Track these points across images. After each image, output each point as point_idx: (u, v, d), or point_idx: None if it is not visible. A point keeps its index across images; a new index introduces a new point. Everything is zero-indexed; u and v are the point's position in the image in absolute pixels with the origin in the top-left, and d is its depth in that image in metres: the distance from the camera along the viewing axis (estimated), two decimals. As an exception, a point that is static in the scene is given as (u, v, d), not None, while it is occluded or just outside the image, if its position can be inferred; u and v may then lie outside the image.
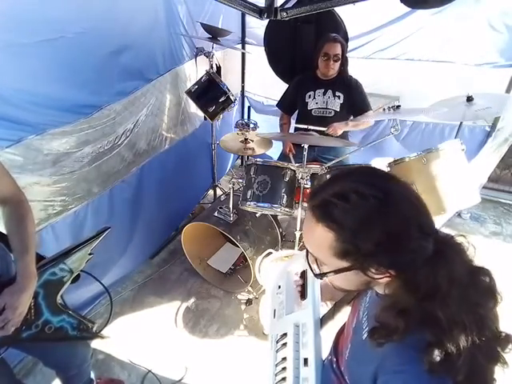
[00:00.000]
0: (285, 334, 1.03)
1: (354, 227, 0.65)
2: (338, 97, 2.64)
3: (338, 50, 2.51)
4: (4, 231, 1.14)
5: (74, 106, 1.78)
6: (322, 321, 1.04)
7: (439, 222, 2.26)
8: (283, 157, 2.79)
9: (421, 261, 0.65)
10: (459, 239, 0.70)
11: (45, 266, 1.20)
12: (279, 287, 1.25)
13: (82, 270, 1.29)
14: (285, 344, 1.00)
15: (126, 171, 2.27)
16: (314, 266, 0.76)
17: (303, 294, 1.08)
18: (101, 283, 1.43)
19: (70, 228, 1.91)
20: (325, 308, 1.14)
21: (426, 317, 0.63)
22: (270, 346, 1.08)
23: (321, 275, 0.75)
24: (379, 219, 0.64)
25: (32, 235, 1.12)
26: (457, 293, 0.63)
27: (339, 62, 2.56)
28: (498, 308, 0.68)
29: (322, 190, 0.71)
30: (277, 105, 2.97)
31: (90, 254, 1.29)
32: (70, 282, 1.27)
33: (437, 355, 0.60)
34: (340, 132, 2.57)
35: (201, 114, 2.81)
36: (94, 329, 1.37)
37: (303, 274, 1.15)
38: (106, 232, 1.32)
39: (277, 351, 1.02)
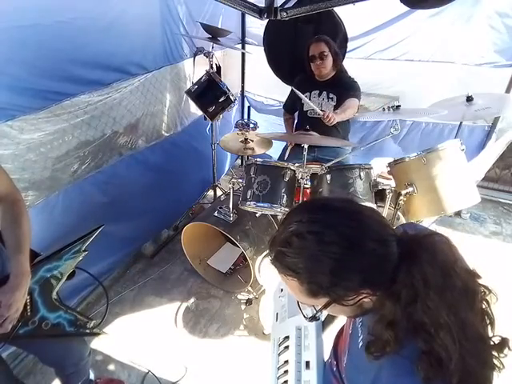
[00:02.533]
0: (287, 337, 1.03)
1: (306, 267, 0.67)
2: (332, 98, 2.62)
3: (323, 47, 2.49)
4: None
5: (44, 91, 1.77)
6: (324, 324, 1.04)
7: (429, 221, 2.26)
8: (284, 155, 2.79)
9: (391, 268, 0.66)
10: (434, 237, 0.70)
11: (40, 263, 1.21)
12: (281, 290, 1.25)
13: (76, 267, 1.30)
14: (287, 347, 1.00)
15: (103, 162, 2.25)
16: (306, 311, 0.79)
17: None
18: (96, 279, 1.44)
19: (40, 216, 1.89)
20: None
21: (413, 325, 0.64)
22: (272, 349, 1.08)
23: (311, 318, 0.77)
24: (321, 251, 0.66)
25: (27, 234, 1.13)
26: (434, 295, 0.63)
27: (329, 59, 2.51)
28: (495, 310, 0.68)
29: (273, 240, 0.74)
30: (283, 107, 3.02)
31: (84, 251, 1.30)
32: (65, 278, 1.28)
33: (430, 362, 0.60)
34: (334, 120, 2.32)
35: (198, 112, 2.81)
36: (91, 325, 1.38)
37: None
38: (100, 229, 1.33)
39: (279, 354, 1.02)
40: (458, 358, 0.60)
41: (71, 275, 1.30)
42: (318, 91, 2.64)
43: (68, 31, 1.78)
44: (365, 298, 0.69)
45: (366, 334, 0.74)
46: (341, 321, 1.06)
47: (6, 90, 1.60)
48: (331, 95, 2.62)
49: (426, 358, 0.61)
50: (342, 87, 2.60)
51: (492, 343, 0.67)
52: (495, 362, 0.66)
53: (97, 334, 1.44)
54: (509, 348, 0.67)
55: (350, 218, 0.69)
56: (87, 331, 1.38)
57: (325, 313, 1.08)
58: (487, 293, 0.68)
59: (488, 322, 0.68)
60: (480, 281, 0.69)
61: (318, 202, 0.82)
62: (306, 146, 2.02)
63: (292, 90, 2.86)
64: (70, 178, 2.04)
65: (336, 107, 2.60)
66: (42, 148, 1.83)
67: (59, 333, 1.30)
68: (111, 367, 1.97)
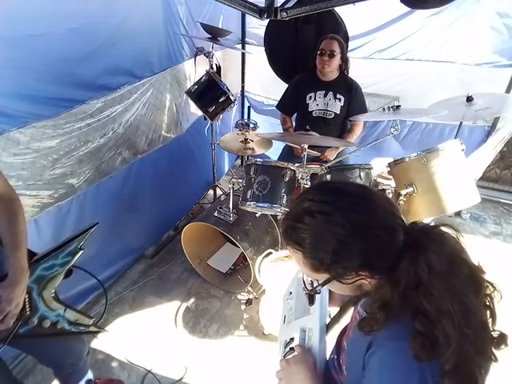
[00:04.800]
0: (292, 339, 1.04)
1: (311, 244, 0.72)
2: (339, 99, 2.62)
3: (334, 46, 2.49)
4: None
5: (54, 99, 1.77)
6: (329, 325, 1.04)
7: (427, 220, 2.26)
8: (286, 156, 2.77)
9: (392, 255, 0.69)
10: (442, 229, 0.72)
11: (37, 262, 1.22)
12: (290, 293, 1.25)
13: (73, 266, 1.31)
14: (292, 348, 1.01)
15: (114, 167, 2.26)
16: (308, 284, 0.84)
17: (311, 300, 1.09)
18: (94, 276, 1.44)
19: (52, 221, 1.90)
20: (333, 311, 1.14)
21: (412, 309, 0.65)
22: (278, 352, 1.09)
23: (311, 290, 0.83)
24: (328, 231, 0.70)
25: (23, 232, 1.14)
26: (439, 282, 0.64)
27: (335, 59, 2.51)
28: (497, 306, 0.69)
29: (287, 215, 0.79)
30: (276, 106, 2.93)
31: (80, 249, 1.31)
32: (62, 277, 1.29)
33: (423, 344, 0.61)
34: (333, 157, 2.60)
35: (198, 113, 2.80)
36: (91, 323, 1.38)
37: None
38: (95, 227, 1.34)
39: (284, 356, 1.03)
40: (457, 346, 0.61)
41: (68, 274, 1.31)
42: (323, 91, 2.63)
43: (77, 37, 1.78)
44: (362, 279, 0.73)
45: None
46: (346, 321, 1.07)
47: (18, 97, 1.60)
48: (339, 96, 2.62)
49: (419, 339, 0.62)
50: (349, 90, 2.62)
51: (491, 337, 0.67)
52: (492, 352, 0.67)
53: (97, 332, 1.44)
54: (506, 344, 0.68)
55: (360, 203, 0.73)
56: (87, 329, 1.39)
57: (328, 306, 1.09)
58: (492, 290, 0.69)
59: (490, 317, 0.68)
60: (485, 276, 0.70)
61: (333, 185, 0.87)
62: (305, 146, 2.02)
63: (289, 89, 2.84)
64: (82, 183, 2.04)
65: (343, 108, 2.63)
66: (54, 154, 1.84)
67: (59, 331, 1.30)
68: (111, 367, 1.97)
